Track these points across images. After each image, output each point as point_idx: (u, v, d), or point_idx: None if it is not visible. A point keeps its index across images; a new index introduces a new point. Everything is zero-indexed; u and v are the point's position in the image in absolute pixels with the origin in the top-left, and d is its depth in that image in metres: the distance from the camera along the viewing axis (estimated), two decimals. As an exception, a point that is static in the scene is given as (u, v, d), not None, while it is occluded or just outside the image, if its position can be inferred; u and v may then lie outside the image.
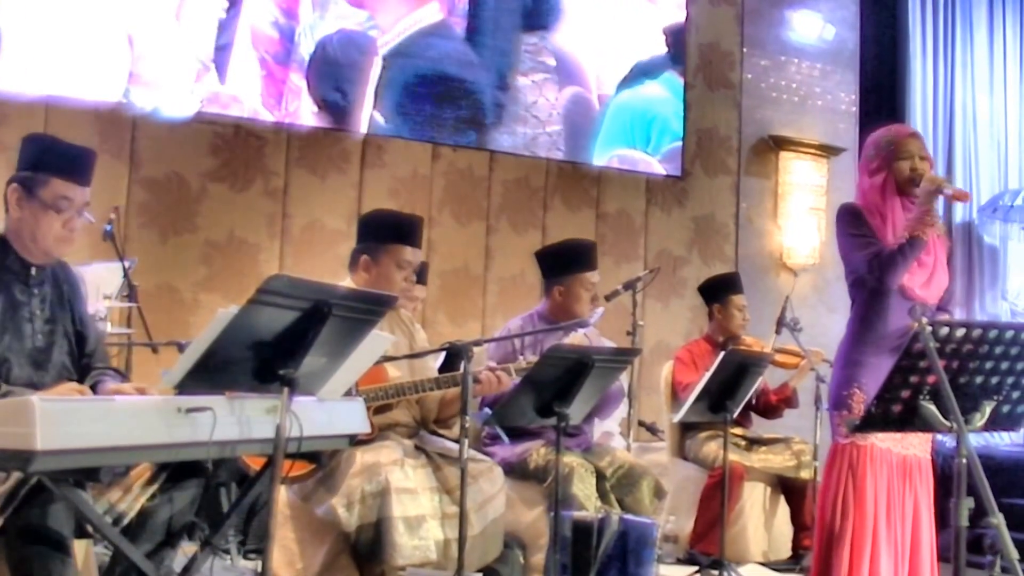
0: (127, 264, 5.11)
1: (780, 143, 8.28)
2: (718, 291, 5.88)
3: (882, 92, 8.88)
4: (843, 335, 3.65)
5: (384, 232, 4.00)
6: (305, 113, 6.49)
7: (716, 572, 4.82)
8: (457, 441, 3.63)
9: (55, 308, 3.02)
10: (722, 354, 4.67)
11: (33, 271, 2.99)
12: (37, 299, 2.98)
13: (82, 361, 3.08)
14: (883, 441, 3.47)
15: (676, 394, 5.69)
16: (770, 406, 5.88)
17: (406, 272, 3.97)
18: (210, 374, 2.47)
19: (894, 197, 3.58)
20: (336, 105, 6.60)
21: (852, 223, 3.56)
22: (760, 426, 5.97)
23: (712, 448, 5.52)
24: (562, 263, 4.70)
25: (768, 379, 5.89)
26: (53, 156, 2.98)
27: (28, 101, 5.70)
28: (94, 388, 2.99)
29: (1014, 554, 2.56)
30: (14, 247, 2.96)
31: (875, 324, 3.50)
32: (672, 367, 5.81)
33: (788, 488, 5.65)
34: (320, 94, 6.54)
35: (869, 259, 3.48)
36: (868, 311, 3.54)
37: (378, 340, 2.85)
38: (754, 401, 5.75)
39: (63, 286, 3.07)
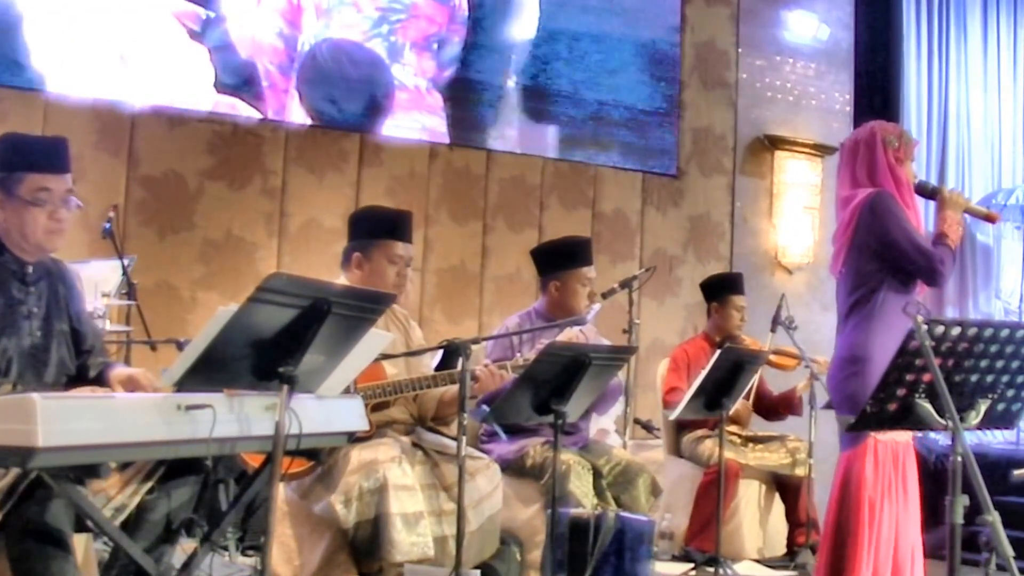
0: (126, 262, 5.11)
1: (775, 142, 8.29)
2: (718, 289, 5.90)
3: (876, 92, 8.90)
4: (849, 334, 3.55)
5: (374, 228, 4.02)
6: (302, 114, 6.51)
7: (711, 569, 4.85)
8: (455, 438, 3.64)
9: (51, 306, 3.02)
10: (718, 351, 4.69)
11: (29, 269, 2.99)
12: (34, 297, 2.98)
13: (80, 359, 3.08)
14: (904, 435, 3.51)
15: (663, 398, 5.71)
16: (775, 411, 5.90)
17: (398, 267, 3.99)
18: (210, 372, 2.48)
19: (914, 195, 3.61)
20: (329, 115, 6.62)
21: (901, 214, 3.51)
22: (756, 424, 5.99)
23: (708, 446, 5.54)
24: (558, 259, 4.73)
25: (766, 381, 5.92)
26: (22, 152, 2.97)
27: (27, 99, 5.69)
28: (102, 374, 3.01)
29: (1009, 552, 2.58)
30: (7, 246, 2.96)
31: (896, 322, 3.44)
32: (666, 366, 5.83)
33: (783, 485, 5.67)
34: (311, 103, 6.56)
35: (936, 256, 3.48)
36: (885, 308, 3.49)
37: (376, 338, 2.87)
38: (751, 399, 5.77)
39: (58, 284, 3.07)
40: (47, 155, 3.00)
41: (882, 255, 3.52)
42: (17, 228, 2.94)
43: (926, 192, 3.69)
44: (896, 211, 3.50)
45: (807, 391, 5.56)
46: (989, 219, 3.86)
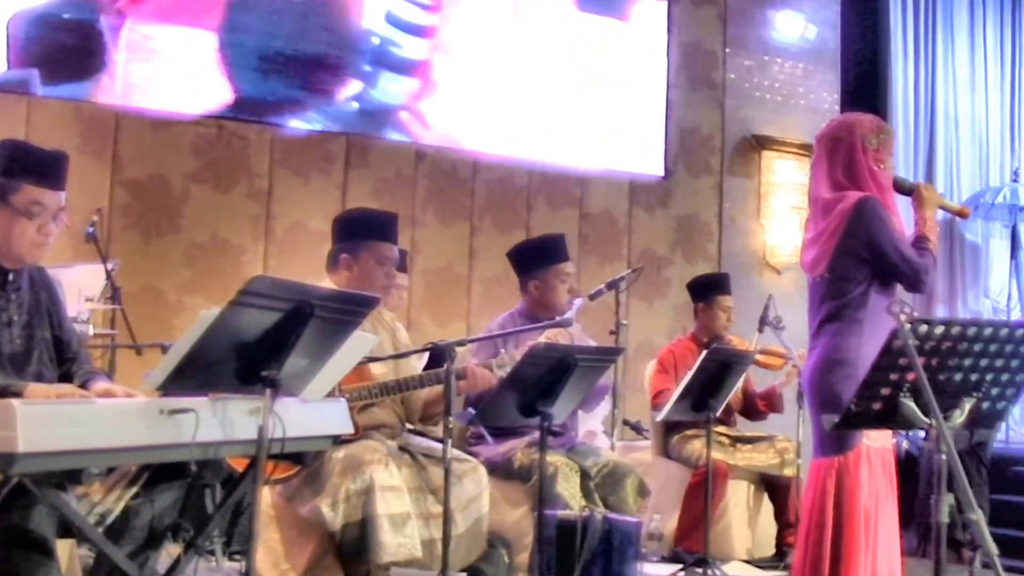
0: (110, 266, 5.09)
1: (763, 142, 8.31)
2: (705, 290, 5.90)
3: (864, 91, 8.92)
4: (835, 336, 3.48)
5: (362, 230, 4.01)
6: (290, 114, 6.49)
7: (700, 570, 4.84)
8: (441, 441, 3.63)
9: (32, 314, 2.99)
10: (704, 352, 4.69)
11: (10, 276, 2.96)
12: (14, 304, 2.94)
13: (63, 367, 3.05)
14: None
15: (652, 400, 5.71)
16: (756, 410, 5.90)
17: (387, 268, 3.98)
18: (193, 375, 2.46)
19: (895, 195, 3.59)
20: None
21: (888, 221, 3.47)
22: (744, 424, 5.99)
23: (696, 447, 5.53)
24: (534, 257, 4.73)
25: (752, 380, 5.92)
26: (24, 162, 2.93)
27: (10, 102, 5.67)
28: (83, 386, 2.98)
29: (994, 550, 2.58)
30: None
31: (884, 323, 3.40)
32: (653, 368, 5.83)
33: (772, 486, 5.68)
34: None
35: (925, 265, 3.46)
36: (874, 310, 3.44)
37: (361, 340, 2.85)
38: (739, 403, 5.78)
39: (40, 292, 3.03)
40: (46, 168, 2.95)
41: (869, 261, 3.49)
42: (3, 236, 2.90)
43: (903, 189, 3.65)
44: (884, 218, 3.46)
45: (787, 387, 5.57)
46: (961, 215, 3.86)
